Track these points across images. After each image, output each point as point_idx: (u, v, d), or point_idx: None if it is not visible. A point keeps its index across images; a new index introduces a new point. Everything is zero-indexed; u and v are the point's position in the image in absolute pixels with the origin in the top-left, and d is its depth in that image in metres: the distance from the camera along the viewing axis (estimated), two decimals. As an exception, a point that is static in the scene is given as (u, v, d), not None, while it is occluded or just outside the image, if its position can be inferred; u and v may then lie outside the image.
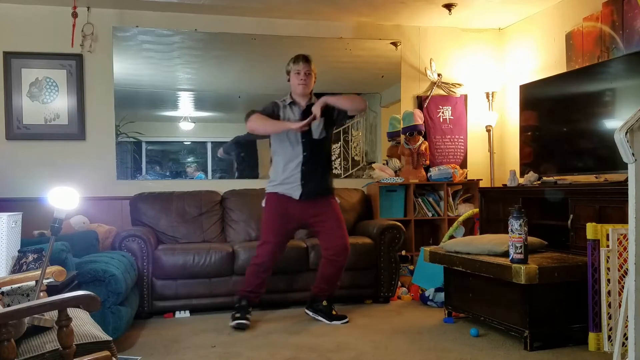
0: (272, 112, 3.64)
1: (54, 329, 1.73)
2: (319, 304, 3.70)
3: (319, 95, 3.68)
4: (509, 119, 5.14)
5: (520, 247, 2.93)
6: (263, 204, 3.72)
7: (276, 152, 3.70)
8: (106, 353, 1.73)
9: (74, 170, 4.43)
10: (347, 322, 3.62)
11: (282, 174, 3.63)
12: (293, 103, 3.68)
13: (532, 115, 4.32)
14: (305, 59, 3.65)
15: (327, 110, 3.60)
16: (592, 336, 2.79)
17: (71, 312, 1.67)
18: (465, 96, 5.26)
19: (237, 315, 3.53)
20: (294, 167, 3.62)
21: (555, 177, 3.92)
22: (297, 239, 4.42)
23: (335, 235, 3.65)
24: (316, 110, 3.49)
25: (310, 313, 3.73)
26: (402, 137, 4.91)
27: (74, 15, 4.33)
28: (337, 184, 4.92)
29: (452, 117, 5.21)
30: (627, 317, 2.15)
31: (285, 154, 3.63)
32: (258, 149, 4.93)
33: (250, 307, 3.62)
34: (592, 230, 2.78)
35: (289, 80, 3.71)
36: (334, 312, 3.68)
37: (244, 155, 4.93)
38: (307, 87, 3.66)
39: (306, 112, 3.61)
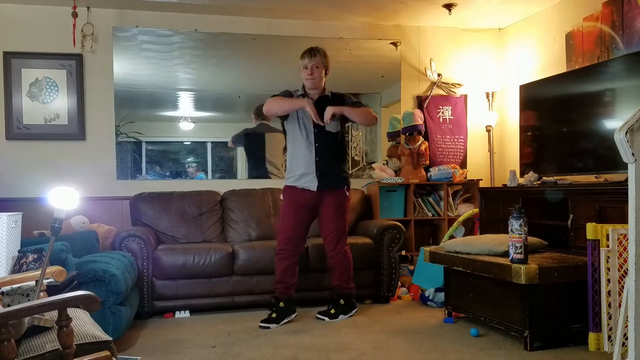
0: (289, 96, 3.72)
1: (54, 329, 1.73)
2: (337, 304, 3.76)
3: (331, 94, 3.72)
4: (509, 119, 5.14)
5: (520, 247, 2.93)
6: (281, 197, 3.83)
7: (290, 143, 3.75)
8: (106, 353, 1.73)
9: (74, 170, 4.43)
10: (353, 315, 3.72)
11: (298, 168, 3.69)
12: (304, 95, 3.72)
13: (532, 115, 4.32)
14: (310, 54, 3.68)
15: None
16: (592, 336, 2.79)
17: (71, 312, 1.67)
18: (465, 96, 5.26)
19: (273, 315, 3.60)
20: (308, 159, 3.67)
21: (555, 177, 3.91)
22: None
23: (326, 228, 3.74)
24: (328, 115, 3.55)
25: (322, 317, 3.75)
26: (402, 137, 4.91)
27: (74, 15, 4.33)
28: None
29: (452, 117, 5.21)
30: (627, 317, 2.15)
31: (299, 146, 3.69)
32: (266, 144, 4.91)
33: (280, 302, 3.63)
34: (592, 230, 2.78)
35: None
36: (332, 311, 3.73)
37: (252, 149, 4.92)
38: (315, 81, 3.68)
39: (318, 104, 3.63)
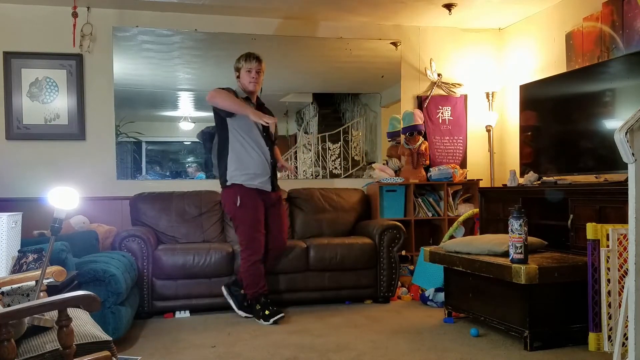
0: (236, 96, 3.71)
1: (54, 329, 1.73)
2: (239, 289, 3.78)
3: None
4: (509, 119, 5.14)
5: (520, 247, 2.93)
6: (238, 203, 3.70)
7: (239, 140, 3.71)
8: (106, 353, 1.73)
9: (74, 170, 4.43)
10: (249, 317, 3.70)
11: (255, 167, 3.72)
12: (247, 99, 3.77)
13: (532, 115, 4.32)
14: (257, 58, 3.77)
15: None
16: (592, 336, 2.79)
17: (71, 312, 1.67)
18: (465, 96, 5.26)
19: (267, 312, 3.59)
20: (265, 159, 3.76)
21: (555, 177, 3.91)
22: (297, 239, 4.44)
23: (279, 237, 3.89)
24: (273, 121, 3.62)
25: (225, 292, 3.81)
26: (402, 137, 4.91)
27: (74, 15, 4.33)
28: (337, 183, 4.97)
29: (452, 117, 5.21)
30: (627, 317, 2.15)
31: (253, 146, 3.73)
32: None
33: (268, 301, 3.70)
34: (592, 230, 2.78)
35: (238, 77, 3.80)
36: (245, 304, 3.75)
37: (207, 149, 4.71)
38: (258, 86, 3.80)
39: (259, 109, 3.78)
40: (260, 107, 3.87)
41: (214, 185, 4.65)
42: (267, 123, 3.56)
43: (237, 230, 3.82)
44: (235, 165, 3.73)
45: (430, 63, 5.14)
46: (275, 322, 3.55)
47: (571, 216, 3.44)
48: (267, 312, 3.60)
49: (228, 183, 3.75)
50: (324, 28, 4.97)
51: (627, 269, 2.32)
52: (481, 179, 4.98)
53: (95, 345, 1.76)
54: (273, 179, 3.84)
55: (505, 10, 4.76)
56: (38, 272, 2.16)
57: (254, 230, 3.71)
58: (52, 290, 2.28)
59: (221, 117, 3.72)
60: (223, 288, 3.82)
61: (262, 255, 3.74)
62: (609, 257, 2.70)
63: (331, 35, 4.98)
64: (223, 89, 3.69)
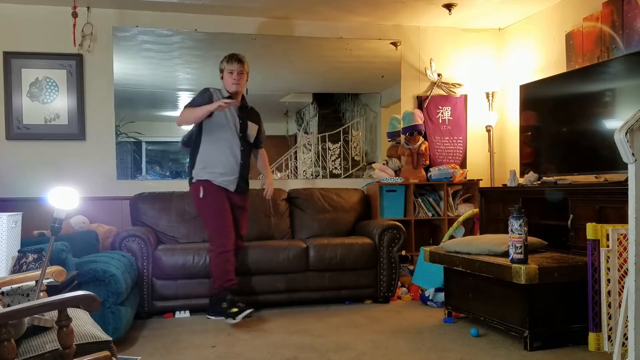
0: (209, 100, 3.70)
1: (54, 329, 1.73)
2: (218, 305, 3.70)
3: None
4: (509, 119, 5.14)
5: (520, 247, 2.93)
6: (201, 195, 3.73)
7: (209, 138, 3.73)
8: (106, 353, 1.73)
9: (74, 170, 4.43)
10: (251, 313, 3.65)
11: (223, 165, 3.73)
12: (230, 97, 3.76)
13: (532, 115, 4.32)
14: (239, 60, 3.78)
15: (259, 126, 3.95)
16: (592, 336, 2.79)
17: (71, 312, 1.67)
18: (465, 96, 5.26)
19: (234, 310, 3.53)
20: (233, 159, 3.75)
21: (555, 177, 3.91)
22: (297, 239, 4.44)
23: (238, 232, 3.85)
24: (230, 102, 3.62)
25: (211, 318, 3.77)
26: (402, 137, 4.91)
27: (74, 15, 4.33)
28: (337, 183, 4.97)
29: (452, 117, 5.21)
30: (627, 317, 2.15)
31: (224, 147, 3.73)
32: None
33: (235, 298, 3.65)
34: (592, 230, 2.78)
35: (222, 78, 3.82)
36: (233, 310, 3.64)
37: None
38: (240, 87, 3.80)
39: (241, 110, 3.81)
40: (244, 108, 3.86)
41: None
42: (225, 105, 3.55)
43: (205, 223, 3.84)
44: (202, 163, 3.76)
45: (430, 63, 5.14)
46: (243, 318, 3.47)
47: (571, 216, 3.44)
48: (234, 310, 3.53)
49: (193, 180, 3.78)
50: (324, 28, 4.97)
51: (627, 269, 2.32)
52: (481, 179, 4.97)
53: (95, 345, 1.76)
54: (240, 181, 3.79)
55: (505, 10, 4.76)
56: (38, 272, 2.16)
57: (221, 218, 3.71)
58: (52, 290, 2.28)
59: None
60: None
61: (233, 247, 3.72)
62: (609, 257, 2.69)
63: (331, 35, 4.98)
64: (201, 91, 3.78)
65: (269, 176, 4.13)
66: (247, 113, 3.87)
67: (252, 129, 3.88)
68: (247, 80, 3.87)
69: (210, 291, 3.78)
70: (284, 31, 4.88)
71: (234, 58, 3.78)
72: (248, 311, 3.54)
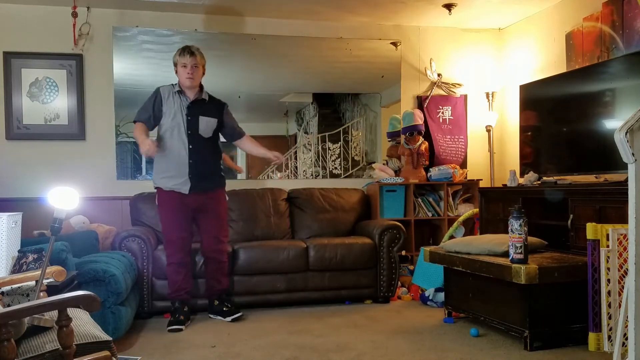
0: (152, 108, 3.67)
1: (54, 329, 1.73)
2: (212, 305, 3.76)
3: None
4: (509, 119, 5.14)
5: (520, 247, 2.93)
6: (157, 203, 3.75)
7: (162, 144, 3.68)
8: (106, 353, 1.73)
9: (74, 170, 4.43)
10: (241, 316, 3.67)
11: (170, 168, 3.65)
12: (181, 92, 3.72)
13: (532, 115, 4.32)
14: (191, 52, 3.68)
15: (220, 119, 3.77)
16: (592, 336, 2.79)
17: (71, 312, 1.67)
18: (465, 96, 5.26)
19: (172, 319, 3.58)
20: (180, 160, 3.65)
21: (555, 177, 3.91)
22: (297, 239, 4.44)
23: (210, 234, 3.74)
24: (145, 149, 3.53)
25: (212, 316, 3.79)
26: (402, 137, 4.91)
27: (74, 15, 4.33)
28: (337, 184, 4.97)
29: (452, 117, 5.21)
30: (627, 317, 2.15)
31: (172, 147, 3.65)
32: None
33: (185, 307, 3.66)
34: (592, 230, 2.78)
35: (176, 72, 3.75)
36: (225, 309, 3.72)
37: None
38: (194, 81, 3.70)
39: (194, 104, 3.70)
40: (199, 106, 3.71)
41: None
42: (147, 151, 3.50)
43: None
44: (156, 168, 3.74)
45: (430, 63, 5.14)
46: (170, 331, 3.47)
47: (571, 216, 3.44)
48: (171, 319, 3.58)
49: (154, 187, 3.77)
50: (324, 28, 4.97)
51: (627, 269, 2.32)
52: (481, 179, 4.97)
53: (95, 345, 1.76)
54: (194, 180, 3.65)
55: (505, 10, 4.76)
56: (38, 272, 2.16)
57: (169, 231, 3.68)
58: (52, 290, 2.28)
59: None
60: (209, 315, 3.82)
61: (183, 259, 3.67)
62: (609, 257, 2.70)
63: (331, 35, 4.98)
64: (153, 93, 3.73)
65: (266, 152, 3.91)
66: (200, 108, 3.70)
67: (205, 123, 3.69)
68: (203, 73, 3.75)
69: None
70: (284, 31, 4.88)
71: (186, 51, 3.67)
72: (177, 327, 3.48)
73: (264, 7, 4.58)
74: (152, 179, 3.82)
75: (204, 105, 3.76)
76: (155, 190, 3.77)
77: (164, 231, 3.72)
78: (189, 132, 3.66)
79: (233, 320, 3.65)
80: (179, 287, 3.68)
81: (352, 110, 5.20)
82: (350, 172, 5.10)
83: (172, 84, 3.77)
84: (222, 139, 3.91)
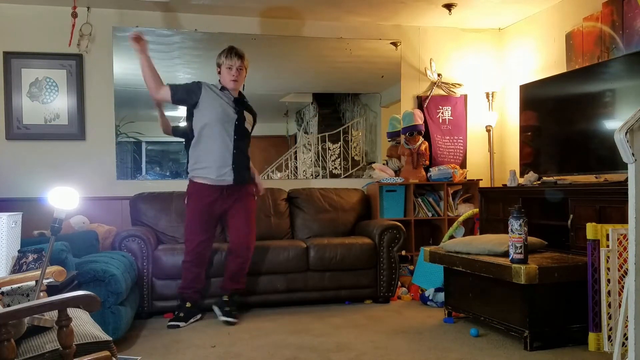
0: (187, 89, 3.64)
1: (54, 329, 1.73)
2: (221, 298, 3.75)
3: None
4: (509, 119, 5.14)
5: (520, 247, 2.93)
6: (186, 200, 3.73)
7: (200, 134, 3.61)
8: (106, 353, 1.73)
9: (74, 170, 4.43)
10: (234, 323, 3.61)
11: (215, 158, 3.58)
12: (224, 89, 3.69)
13: (532, 115, 4.32)
14: (238, 55, 3.66)
15: (254, 121, 3.82)
16: (592, 336, 2.79)
17: (71, 312, 1.67)
18: (465, 96, 5.26)
19: (174, 313, 3.63)
20: (226, 149, 3.60)
21: (555, 177, 3.92)
22: (297, 239, 4.44)
23: (241, 231, 3.70)
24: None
25: (214, 307, 3.78)
26: (402, 137, 4.91)
27: (74, 15, 4.33)
28: (337, 183, 4.97)
29: (452, 117, 5.21)
30: (627, 317, 2.15)
31: (216, 138, 3.59)
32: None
33: (189, 305, 3.67)
34: (592, 230, 2.78)
35: (219, 73, 3.73)
36: (227, 308, 3.68)
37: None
38: (238, 83, 3.70)
39: (237, 102, 3.69)
40: (242, 103, 3.74)
41: (214, 185, 4.65)
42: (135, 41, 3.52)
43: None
44: (197, 158, 3.65)
45: (430, 63, 5.14)
46: (169, 327, 3.52)
47: (571, 216, 3.44)
48: (174, 313, 3.63)
49: (190, 178, 3.71)
50: (324, 28, 4.97)
51: (627, 269, 2.32)
52: (481, 179, 4.98)
53: (95, 345, 1.76)
54: (236, 171, 3.61)
55: (505, 10, 4.76)
56: (38, 272, 2.16)
57: (191, 231, 3.66)
58: (52, 290, 2.28)
59: (188, 108, 3.72)
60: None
61: (197, 259, 3.67)
62: (609, 257, 2.70)
63: (331, 35, 4.98)
64: (190, 84, 3.69)
65: (258, 178, 3.95)
66: (243, 104, 3.74)
67: (248, 118, 3.74)
68: (245, 76, 3.76)
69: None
70: (284, 31, 4.88)
71: (233, 52, 3.65)
72: (174, 323, 3.53)
73: (263, 7, 4.58)
74: (187, 169, 3.70)
75: (245, 103, 3.79)
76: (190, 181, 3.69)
77: (187, 229, 3.70)
78: (237, 123, 3.64)
79: (225, 322, 3.62)
80: (187, 285, 3.70)
81: (352, 110, 5.20)
82: (350, 172, 5.11)
83: (213, 84, 3.74)
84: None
